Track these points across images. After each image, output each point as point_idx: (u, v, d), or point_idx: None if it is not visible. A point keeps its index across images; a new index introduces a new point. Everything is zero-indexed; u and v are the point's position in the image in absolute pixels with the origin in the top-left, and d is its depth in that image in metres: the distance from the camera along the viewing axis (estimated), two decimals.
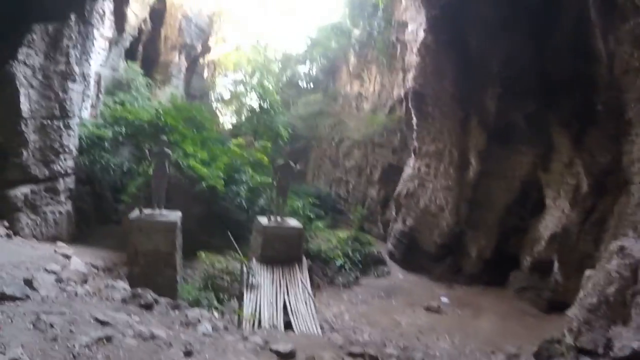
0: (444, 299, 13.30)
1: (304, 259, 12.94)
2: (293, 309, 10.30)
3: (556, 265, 12.30)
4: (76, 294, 6.65)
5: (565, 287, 11.56)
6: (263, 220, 13.18)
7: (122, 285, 8.03)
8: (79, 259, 11.95)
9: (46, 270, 10.10)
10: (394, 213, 17.92)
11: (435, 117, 15.60)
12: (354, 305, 13.14)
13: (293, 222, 13.39)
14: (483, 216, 14.58)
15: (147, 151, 12.33)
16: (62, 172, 13.65)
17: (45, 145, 12.98)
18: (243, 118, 28.67)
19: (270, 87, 25.73)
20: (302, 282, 11.62)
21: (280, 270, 11.95)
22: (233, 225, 15.94)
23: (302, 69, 32.90)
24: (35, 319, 5.19)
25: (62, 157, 13.51)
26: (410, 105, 16.81)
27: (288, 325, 9.58)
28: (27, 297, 5.99)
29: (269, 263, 12.16)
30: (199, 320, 6.25)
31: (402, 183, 17.45)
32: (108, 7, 17.26)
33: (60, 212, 13.69)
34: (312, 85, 31.53)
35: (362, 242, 16.49)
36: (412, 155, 17.20)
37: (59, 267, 10.61)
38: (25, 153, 12.47)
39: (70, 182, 14.20)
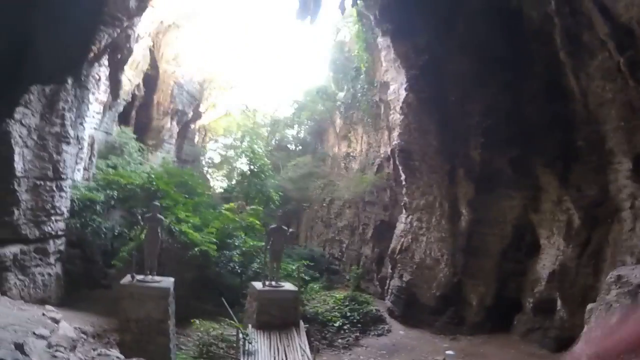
0: (449, 352, 12.88)
1: (301, 322, 12.69)
2: None
3: (559, 302, 12.16)
4: None
5: (571, 323, 11.34)
6: (257, 285, 13.05)
7: (116, 354, 7.70)
8: (68, 324, 11.47)
9: (34, 334, 9.66)
10: (389, 269, 17.75)
11: (422, 171, 15.95)
12: None
13: (288, 286, 13.27)
14: (480, 264, 14.52)
15: (139, 216, 12.39)
16: (53, 233, 13.45)
17: (37, 205, 12.86)
18: (234, 182, 28.98)
19: (260, 151, 26.23)
20: (300, 346, 11.33)
21: (278, 336, 11.70)
22: (226, 291, 15.72)
23: (290, 132, 33.92)
24: None
25: (53, 218, 13.38)
26: (397, 162, 17.19)
27: None
28: None
29: (266, 328, 11.93)
30: None
31: (396, 239, 17.46)
32: (104, 72, 17.86)
33: (49, 274, 13.34)
34: (300, 148, 32.34)
35: (360, 302, 16.13)
36: (404, 211, 17.36)
37: (47, 331, 10.18)
38: (16, 212, 12.30)
39: (60, 244, 13.97)
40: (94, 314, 13.43)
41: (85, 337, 11.72)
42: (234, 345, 11.23)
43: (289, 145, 33.45)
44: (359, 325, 14.95)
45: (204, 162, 34.48)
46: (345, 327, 14.72)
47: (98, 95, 18.07)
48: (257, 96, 37.92)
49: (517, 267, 14.06)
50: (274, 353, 10.93)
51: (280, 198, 24.22)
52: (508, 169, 13.62)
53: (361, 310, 15.53)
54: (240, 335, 11.08)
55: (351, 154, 25.23)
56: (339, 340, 14.16)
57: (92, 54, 14.23)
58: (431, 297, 15.41)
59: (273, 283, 12.93)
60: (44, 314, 11.57)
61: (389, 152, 19.81)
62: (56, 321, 11.33)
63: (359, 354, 13.54)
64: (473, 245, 14.63)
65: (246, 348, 10.86)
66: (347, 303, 15.89)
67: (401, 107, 16.23)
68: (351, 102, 24.34)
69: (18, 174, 12.21)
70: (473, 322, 14.35)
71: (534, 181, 13.14)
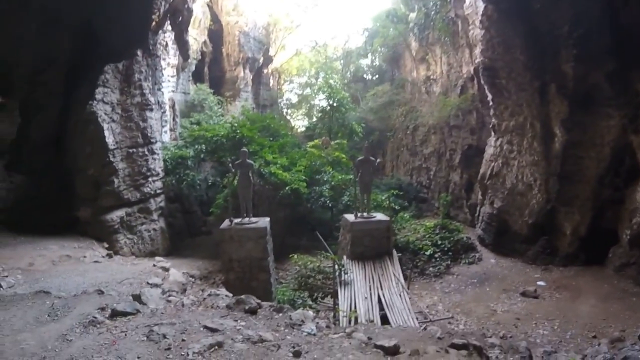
0: (540, 283, 12.42)
1: (394, 251, 12.76)
2: (388, 302, 10.13)
3: None
4: (183, 305, 6.91)
5: None
6: (349, 217, 13.14)
7: (225, 293, 8.30)
8: (177, 271, 12.73)
9: (149, 283, 10.80)
10: (480, 196, 17.12)
11: (510, 90, 14.69)
12: (447, 295, 12.70)
13: (379, 216, 13.22)
14: (575, 190, 13.44)
15: (229, 164, 12.84)
16: (152, 193, 14.72)
17: (134, 171, 14.16)
18: (314, 119, 28.99)
19: (337, 85, 25.67)
20: (394, 275, 11.44)
21: (372, 265, 11.87)
22: (318, 225, 16.30)
23: (365, 62, 32.70)
24: (147, 331, 5.48)
25: (150, 179, 14.60)
26: (482, 81, 16.01)
27: (384, 320, 9.40)
28: (138, 311, 6.36)
29: (360, 259, 12.13)
30: (303, 322, 6.25)
31: (485, 163, 16.62)
32: (169, 37, 18.46)
33: (154, 230, 14.76)
34: (377, 77, 31.22)
35: (450, 230, 15.88)
36: (492, 133, 16.32)
37: (159, 279, 11.33)
38: (116, 180, 13.74)
39: (160, 201, 15.25)
40: (199, 258, 14.85)
41: (193, 280, 12.99)
42: (331, 276, 11.60)
43: (364, 76, 32.42)
44: (450, 253, 14.88)
45: (282, 105, 34.70)
46: (436, 255, 14.70)
47: (169, 59, 18.84)
48: (325, 31, 36.74)
49: (615, 195, 12.79)
50: (369, 282, 11.13)
51: (363, 130, 23.96)
52: (605, 85, 12.18)
53: (452, 239, 15.36)
54: (336, 267, 11.41)
55: (431, 77, 23.86)
56: (430, 269, 14.24)
57: (154, 23, 14.83)
58: (523, 224, 14.70)
59: (365, 214, 12.99)
60: (154, 265, 12.87)
61: (472, 72, 18.48)
62: (166, 270, 12.59)
63: (450, 282, 13.54)
64: (568, 170, 13.48)
65: (342, 278, 11.20)
66: (437, 231, 15.73)
67: (481, 21, 14.89)
68: (424, 22, 22.79)
69: (111, 146, 13.57)
70: (566, 253, 13.53)
71: (634, 98, 11.65)
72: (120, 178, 13.77)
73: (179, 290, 11.16)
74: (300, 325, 6.23)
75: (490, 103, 15.75)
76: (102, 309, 6.52)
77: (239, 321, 6.17)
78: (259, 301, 7.03)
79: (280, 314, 6.73)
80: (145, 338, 5.33)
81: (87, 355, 4.89)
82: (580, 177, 13.28)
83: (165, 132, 17.46)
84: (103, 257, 12.85)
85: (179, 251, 15.50)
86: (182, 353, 4.92)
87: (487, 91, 15.79)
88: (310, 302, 10.97)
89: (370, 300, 10.29)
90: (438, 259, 14.58)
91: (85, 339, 5.40)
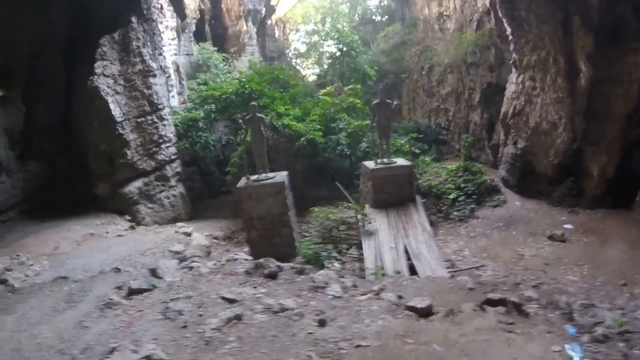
0: (568, 226, 12.00)
1: (418, 197, 12.41)
2: (415, 252, 9.86)
3: None
4: (200, 274, 6.77)
5: None
6: (369, 164, 12.69)
7: (244, 256, 8.16)
8: (200, 234, 12.76)
9: (170, 251, 10.84)
10: (502, 136, 16.44)
11: (531, 22, 13.68)
12: (473, 240, 12.37)
13: (400, 161, 12.75)
14: (602, 129, 12.61)
15: (240, 121, 12.47)
16: (167, 159, 14.61)
17: (145, 140, 14.03)
18: (325, 67, 28.02)
19: (346, 29, 24.50)
20: (419, 222, 11.13)
21: (396, 213, 11.52)
22: (337, 174, 16.01)
23: (372, 2, 31.12)
24: (163, 308, 5.33)
25: (163, 146, 14.46)
26: (500, 14, 14.92)
27: (412, 270, 9.17)
28: (154, 287, 6.24)
29: (383, 207, 11.79)
30: (327, 283, 5.97)
31: (507, 102, 15.83)
32: None
33: (174, 196, 14.76)
34: (387, 17, 29.72)
35: (473, 172, 15.31)
36: (513, 70, 15.42)
37: (182, 246, 11.36)
38: (129, 152, 13.69)
39: (176, 166, 15.15)
40: (221, 219, 14.86)
41: (217, 241, 13.01)
42: (354, 226, 11.41)
43: (373, 18, 30.89)
44: (474, 196, 14.42)
45: (290, 55, 33.54)
46: (459, 199, 14.28)
47: (167, 22, 18.17)
48: None
49: None
50: (394, 231, 10.84)
51: (376, 73, 23.03)
52: (632, 18, 11.15)
53: (475, 181, 14.87)
54: (359, 217, 11.19)
55: (444, 13, 22.44)
56: (455, 213, 13.86)
57: None
58: (548, 165, 14.08)
59: (385, 160, 12.51)
60: (176, 232, 12.98)
61: (488, 5, 17.26)
62: (188, 235, 12.66)
63: (475, 226, 13.19)
64: (594, 108, 12.64)
65: (366, 228, 10.96)
66: (460, 174, 15.23)
67: None
68: None
69: (118, 119, 13.44)
70: (593, 195, 12.90)
71: None
72: (133, 149, 13.71)
73: (202, 255, 11.18)
74: (324, 287, 5.98)
75: (510, 37, 14.72)
76: (119, 288, 6.44)
77: (258, 288, 5.97)
78: (279, 263, 6.81)
79: (302, 276, 6.50)
80: (161, 316, 5.18)
81: (102, 342, 4.77)
82: (608, 115, 12.43)
83: (173, 96, 17.09)
84: (126, 230, 13.05)
85: (201, 214, 15.52)
86: (199, 330, 4.74)
87: (505, 24, 14.73)
88: (336, 254, 10.70)
89: (396, 249, 10.04)
90: (462, 203, 14.15)
91: (102, 323, 5.31)
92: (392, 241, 10.42)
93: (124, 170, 13.66)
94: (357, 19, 31.04)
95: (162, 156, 14.38)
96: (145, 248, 11.04)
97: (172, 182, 14.74)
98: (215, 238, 13.20)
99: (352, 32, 25.79)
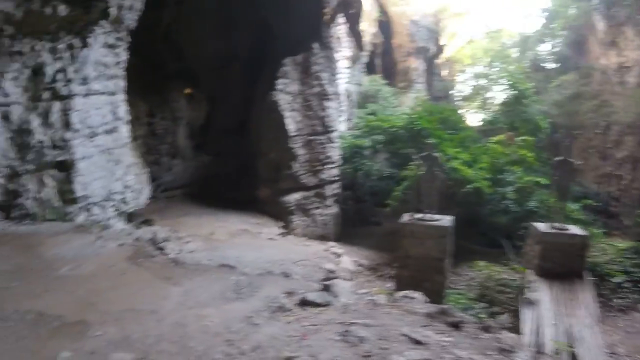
0: None
1: (585, 273, 11.06)
2: (577, 335, 8.69)
3: None
4: (375, 304, 6.32)
5: None
6: (540, 226, 11.60)
7: (420, 297, 7.72)
8: (348, 258, 12.90)
9: (321, 268, 11.00)
10: None
11: None
12: (630, 336, 10.33)
13: (574, 229, 11.47)
14: None
15: (416, 156, 12.41)
16: (328, 179, 15.30)
17: (312, 157, 14.96)
18: (489, 113, 26.86)
19: (518, 75, 23.21)
20: (584, 302, 9.88)
21: (560, 286, 10.39)
22: (490, 230, 15.10)
23: (544, 48, 29.22)
24: (342, 330, 5.01)
25: (327, 166, 15.20)
26: None
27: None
28: (329, 304, 6.00)
29: (546, 276, 10.70)
30: (513, 347, 5.54)
31: None
32: (343, 30, 19.03)
33: (327, 215, 15.35)
34: (559, 65, 27.62)
35: None
36: None
37: (333, 265, 11.57)
38: (295, 165, 14.74)
39: (335, 188, 15.76)
40: (367, 248, 14.76)
41: (361, 269, 12.98)
42: (512, 290, 10.58)
43: (543, 64, 28.96)
44: None
45: (454, 97, 32.92)
46: (625, 284, 12.01)
47: (343, 52, 19.29)
48: (498, 15, 33.77)
49: None
50: (555, 306, 9.67)
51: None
52: None
53: None
54: (522, 282, 10.34)
55: (624, 64, 20.09)
56: (615, 300, 11.70)
57: (327, 17, 15.68)
58: None
59: (556, 225, 11.37)
60: (326, 250, 13.22)
61: None
62: (338, 255, 12.87)
63: (637, 320, 11.01)
64: None
65: (526, 296, 9.95)
66: (629, 255, 12.96)
67: None
68: None
69: (292, 134, 14.70)
70: None
71: None
72: (300, 163, 14.74)
73: (349, 278, 11.22)
74: (510, 352, 5.39)
75: None
76: (289, 294, 6.28)
77: (442, 335, 5.43)
78: (462, 314, 6.36)
79: (488, 334, 5.91)
80: (339, 338, 4.81)
81: (275, 346, 4.55)
82: None
83: (341, 121, 17.88)
84: (277, 235, 13.77)
85: (347, 238, 15.66)
86: None
87: None
88: (483, 316, 9.94)
89: (557, 328, 8.92)
90: (627, 290, 11.95)
91: (273, 326, 5.10)
92: (553, 317, 9.28)
93: (287, 180, 14.74)
94: (525, 64, 29.45)
95: (325, 175, 15.13)
96: (298, 258, 11.35)
97: (329, 202, 15.34)
98: (360, 265, 13.16)
99: (525, 78, 24.43)
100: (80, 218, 9.08)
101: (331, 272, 10.83)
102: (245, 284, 6.59)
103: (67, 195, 8.94)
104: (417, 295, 7.50)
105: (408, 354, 4.61)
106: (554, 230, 11.20)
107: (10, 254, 6.75)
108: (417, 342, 4.97)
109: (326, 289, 6.91)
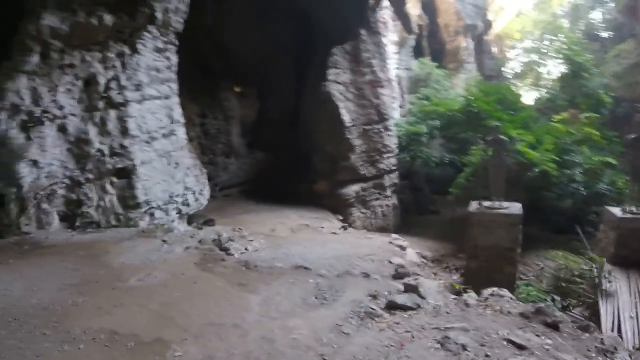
0: None
1: None
2: None
3: None
4: (466, 304, 6.07)
5: None
6: (615, 210, 10.90)
7: (508, 295, 7.28)
8: (412, 250, 12.52)
9: (390, 262, 10.65)
10: None
11: None
12: None
13: None
14: None
15: (478, 141, 11.94)
16: (387, 169, 15.04)
17: (369, 147, 14.66)
18: (545, 90, 25.40)
19: (575, 47, 21.37)
20: None
21: (637, 276, 9.76)
22: (553, 215, 14.49)
23: (596, 16, 27.33)
24: (440, 336, 4.79)
25: (385, 156, 14.92)
26: None
27: None
28: (418, 306, 5.76)
29: (622, 265, 10.07)
30: (616, 349, 5.12)
31: None
32: (388, 14, 18.31)
33: (387, 205, 15.18)
34: (613, 34, 25.76)
35: None
36: None
37: (401, 259, 11.16)
38: (352, 156, 14.49)
39: (394, 177, 15.52)
40: (427, 238, 14.41)
41: (425, 261, 12.61)
42: (587, 281, 9.82)
43: (597, 33, 27.08)
44: None
45: (507, 74, 31.35)
46: None
47: (389, 36, 18.67)
48: None
49: None
50: (634, 297, 9.06)
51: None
52: None
53: None
54: (598, 272, 9.59)
55: None
56: None
57: (372, 1, 15.38)
58: None
59: (633, 209, 10.66)
60: (390, 242, 12.80)
61: None
62: (403, 248, 12.46)
63: None
64: None
65: (603, 287, 9.31)
66: None
67: None
68: None
69: (347, 124, 14.46)
70: None
71: None
72: (357, 154, 14.50)
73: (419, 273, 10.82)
74: (612, 353, 4.98)
75: None
76: (374, 297, 6.04)
77: (541, 337, 5.10)
78: (560, 313, 5.95)
79: (587, 334, 5.51)
80: (438, 345, 4.58)
81: (372, 358, 4.28)
82: None
83: (395, 108, 17.38)
84: (339, 229, 13.53)
85: (406, 229, 15.34)
86: None
87: None
88: (557, 307, 9.42)
89: (637, 320, 8.36)
90: None
91: (365, 335, 4.82)
92: (632, 309, 8.68)
93: (345, 172, 14.54)
94: (579, 34, 27.69)
95: (383, 165, 14.89)
96: (363, 253, 10.85)
97: (388, 192, 15.11)
98: (424, 257, 12.80)
99: (582, 50, 22.90)
100: (144, 223, 9.19)
101: (401, 267, 10.40)
102: (325, 287, 6.32)
103: (129, 201, 8.98)
104: (505, 292, 7.10)
105: None
106: (630, 216, 10.48)
107: (75, 265, 6.57)
108: (521, 347, 4.73)
109: (412, 289, 6.56)
